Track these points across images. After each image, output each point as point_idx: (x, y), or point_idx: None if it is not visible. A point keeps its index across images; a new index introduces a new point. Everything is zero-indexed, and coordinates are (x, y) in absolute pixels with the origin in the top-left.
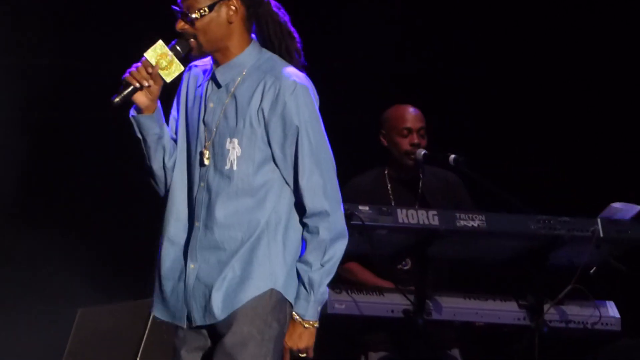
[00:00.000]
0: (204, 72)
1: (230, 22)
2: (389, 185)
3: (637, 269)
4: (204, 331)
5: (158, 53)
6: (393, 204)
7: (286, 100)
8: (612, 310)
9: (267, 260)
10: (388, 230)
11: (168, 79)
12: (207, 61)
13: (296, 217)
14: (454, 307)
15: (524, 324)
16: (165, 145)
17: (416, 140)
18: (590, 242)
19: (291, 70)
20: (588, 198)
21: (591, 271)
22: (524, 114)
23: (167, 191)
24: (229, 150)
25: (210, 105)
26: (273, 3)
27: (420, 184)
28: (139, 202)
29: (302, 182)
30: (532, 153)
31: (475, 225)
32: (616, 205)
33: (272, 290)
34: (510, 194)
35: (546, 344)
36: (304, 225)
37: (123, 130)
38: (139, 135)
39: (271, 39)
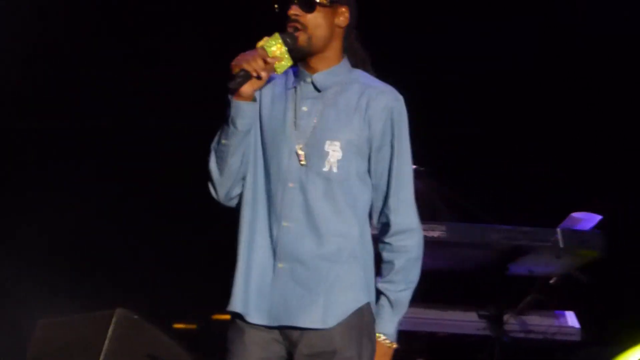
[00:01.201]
0: (273, 77)
1: (339, 27)
2: None
3: (597, 279)
4: (278, 332)
5: (274, 44)
6: None
7: (394, 113)
8: (572, 320)
9: (363, 272)
10: None
11: (279, 71)
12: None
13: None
14: (416, 318)
15: (485, 334)
16: (249, 143)
17: None
18: (550, 252)
19: (387, 85)
20: (549, 208)
21: (551, 281)
22: (488, 124)
23: (236, 195)
24: (328, 152)
25: (304, 108)
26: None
27: None
28: (99, 212)
29: (394, 197)
30: (494, 162)
31: (436, 235)
32: (576, 215)
33: (368, 304)
34: (472, 204)
35: (507, 353)
36: (385, 243)
37: (75, 139)
38: (233, 123)
39: (357, 65)
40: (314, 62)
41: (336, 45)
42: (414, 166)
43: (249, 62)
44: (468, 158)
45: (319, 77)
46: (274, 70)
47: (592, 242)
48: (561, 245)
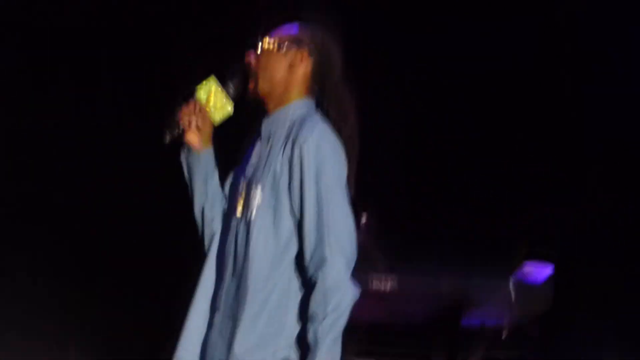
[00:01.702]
0: None
1: (294, 74)
2: None
3: (548, 332)
4: None
5: (210, 90)
6: None
7: (301, 162)
8: None
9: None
10: None
11: (216, 120)
12: None
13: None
14: None
15: None
16: (209, 192)
17: None
18: (502, 304)
19: (315, 123)
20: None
21: (503, 333)
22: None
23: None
24: (254, 197)
25: (255, 152)
26: (345, 86)
27: None
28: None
29: (306, 229)
30: (444, 212)
31: (387, 287)
32: (528, 266)
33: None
34: (422, 252)
35: None
36: (304, 277)
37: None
38: (185, 174)
39: (336, 117)
40: (270, 106)
41: (293, 92)
42: (364, 214)
43: (182, 112)
44: (417, 204)
45: (266, 122)
46: (213, 118)
47: (544, 295)
48: (513, 298)
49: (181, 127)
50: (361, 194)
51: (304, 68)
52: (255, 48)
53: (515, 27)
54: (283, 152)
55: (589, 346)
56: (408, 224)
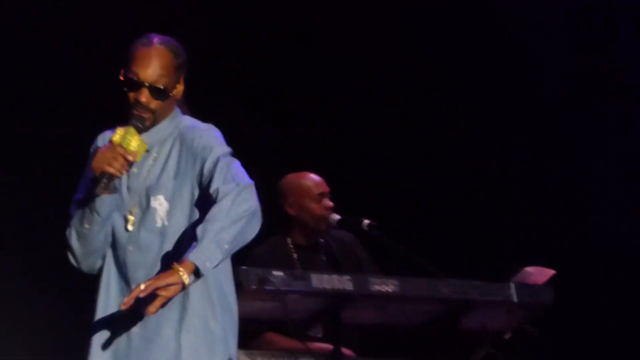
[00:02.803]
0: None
1: (176, 99)
2: (295, 255)
3: (550, 334)
4: None
5: (131, 140)
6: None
7: (193, 138)
8: None
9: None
10: (302, 295)
11: (138, 159)
12: (113, 130)
13: None
14: None
15: None
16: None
17: (330, 205)
18: (503, 306)
19: (201, 124)
20: (502, 261)
21: (506, 336)
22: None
23: (96, 269)
24: (155, 208)
25: (134, 170)
26: None
27: (323, 249)
28: None
29: (217, 185)
30: (445, 216)
31: (390, 290)
32: (529, 269)
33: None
34: (423, 258)
35: None
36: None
37: None
38: (97, 212)
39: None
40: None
41: (170, 108)
42: (367, 220)
43: (111, 165)
44: (418, 210)
45: (145, 137)
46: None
47: (545, 297)
48: (514, 299)
49: (111, 176)
50: (362, 201)
51: (180, 94)
52: (153, 89)
53: None
54: (179, 153)
55: (589, 347)
56: (409, 229)
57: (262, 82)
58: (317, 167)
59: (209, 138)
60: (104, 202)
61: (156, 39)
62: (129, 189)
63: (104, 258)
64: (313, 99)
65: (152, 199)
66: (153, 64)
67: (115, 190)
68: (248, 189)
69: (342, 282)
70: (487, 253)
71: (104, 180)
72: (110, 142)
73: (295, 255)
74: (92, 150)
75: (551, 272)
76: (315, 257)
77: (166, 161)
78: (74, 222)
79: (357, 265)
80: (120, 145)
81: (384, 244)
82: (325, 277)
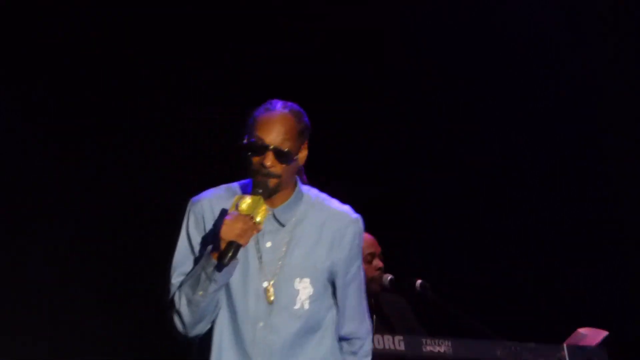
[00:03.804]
0: (222, 206)
1: (299, 165)
2: None
3: None
4: None
5: (260, 210)
6: None
7: (354, 240)
8: None
9: None
10: None
11: (260, 229)
12: (217, 193)
13: None
14: None
15: None
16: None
17: (381, 265)
18: None
19: (344, 207)
20: (554, 323)
21: None
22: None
23: (200, 335)
24: (298, 290)
25: (268, 244)
26: None
27: (374, 309)
28: None
29: (356, 310)
30: (496, 276)
31: (442, 350)
32: (582, 330)
33: None
34: (476, 319)
35: None
36: (349, 351)
37: None
38: (216, 281)
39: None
40: (274, 197)
41: (292, 179)
42: (419, 280)
43: (242, 237)
44: (471, 272)
45: (279, 212)
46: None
47: (598, 358)
48: None
49: (239, 247)
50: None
51: (304, 158)
52: (278, 152)
53: None
54: (330, 244)
55: None
56: (462, 289)
57: None
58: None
59: (358, 246)
60: (228, 272)
61: (279, 105)
62: (260, 262)
63: (213, 326)
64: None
65: (296, 280)
66: (277, 128)
67: (236, 261)
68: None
69: (394, 343)
70: (540, 313)
71: (232, 250)
72: (236, 211)
73: None
74: (191, 214)
75: (604, 333)
76: None
77: (314, 245)
78: (184, 289)
79: (406, 326)
80: (250, 216)
81: (436, 304)
82: (378, 337)
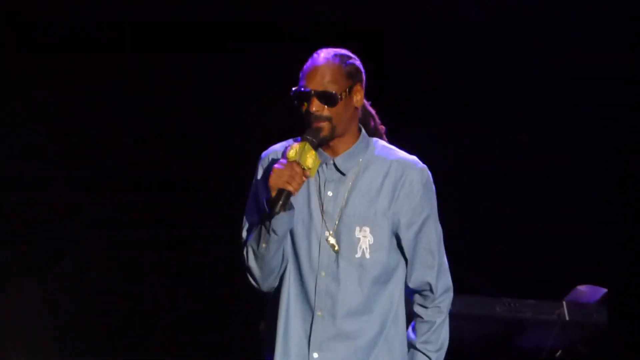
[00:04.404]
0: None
1: (356, 108)
2: None
3: (602, 353)
4: None
5: (308, 156)
6: None
7: (419, 189)
8: None
9: (401, 348)
10: None
11: (313, 175)
12: (283, 145)
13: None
14: None
15: None
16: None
17: None
18: (555, 325)
19: (410, 157)
20: (554, 280)
21: (557, 354)
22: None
23: (277, 284)
24: (359, 238)
25: (329, 193)
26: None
27: None
28: None
29: (431, 263)
30: (497, 234)
31: None
32: (582, 288)
33: None
34: (475, 276)
35: None
36: (423, 304)
37: None
38: (274, 232)
39: (366, 121)
40: (335, 144)
41: (355, 125)
42: None
43: (291, 183)
44: (471, 228)
45: (341, 160)
46: (310, 177)
47: (597, 316)
48: (567, 318)
49: (289, 194)
50: None
51: (361, 101)
52: (321, 95)
53: None
54: (393, 192)
55: None
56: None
57: None
58: None
59: (425, 196)
60: (281, 220)
61: (323, 52)
62: (323, 212)
63: (282, 279)
64: None
65: (356, 228)
66: (319, 73)
67: (291, 207)
68: (452, 296)
69: None
70: (540, 271)
71: (282, 198)
72: (285, 158)
73: None
74: (260, 168)
75: (604, 290)
76: None
77: (375, 192)
78: (251, 242)
79: None
80: (296, 162)
81: None
82: None
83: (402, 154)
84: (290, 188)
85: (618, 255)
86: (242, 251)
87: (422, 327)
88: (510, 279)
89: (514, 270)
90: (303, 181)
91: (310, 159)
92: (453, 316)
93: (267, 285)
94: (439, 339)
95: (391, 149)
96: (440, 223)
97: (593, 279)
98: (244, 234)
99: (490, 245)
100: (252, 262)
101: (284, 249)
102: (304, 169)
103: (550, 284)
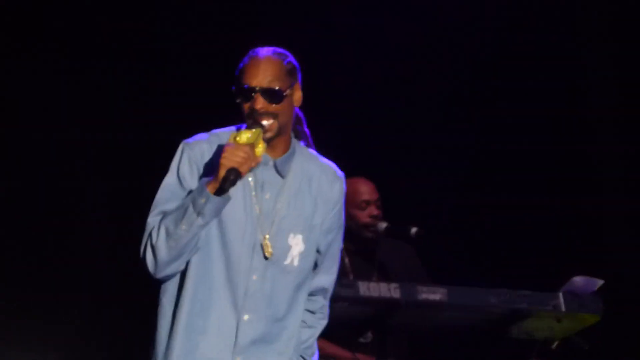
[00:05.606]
0: (217, 151)
1: (296, 106)
2: (347, 259)
3: (598, 344)
4: None
5: (259, 143)
6: (352, 277)
7: (340, 197)
8: None
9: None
10: (350, 302)
11: (256, 165)
12: (212, 137)
13: None
14: None
15: None
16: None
17: (375, 212)
18: (551, 316)
19: (331, 164)
20: (550, 271)
21: (553, 346)
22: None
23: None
24: (291, 245)
25: (267, 196)
26: None
27: (378, 256)
28: None
29: (332, 271)
30: (493, 224)
31: (437, 298)
32: (578, 279)
33: None
34: (471, 267)
35: None
36: (317, 301)
37: None
38: (203, 215)
39: (296, 123)
40: (275, 144)
41: (291, 125)
42: (414, 228)
43: (242, 166)
44: (467, 221)
45: (280, 163)
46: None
47: (593, 307)
48: (563, 309)
49: (239, 175)
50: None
51: (300, 100)
52: (266, 92)
53: None
54: (317, 199)
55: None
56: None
57: None
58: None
59: (343, 207)
60: (216, 204)
61: (262, 50)
62: (259, 212)
63: (184, 271)
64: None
65: (290, 235)
66: (261, 70)
67: (228, 197)
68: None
69: (389, 290)
70: (535, 262)
71: (231, 179)
72: (234, 142)
73: (347, 260)
74: (184, 155)
75: (600, 282)
76: (366, 262)
77: (307, 201)
78: (166, 222)
79: (409, 274)
80: (251, 145)
81: (432, 251)
82: (373, 285)
83: (325, 160)
84: (242, 169)
85: (615, 246)
86: (148, 232)
87: (305, 333)
88: (506, 271)
89: (509, 262)
90: (252, 166)
91: (262, 147)
92: (448, 307)
93: (166, 271)
94: (315, 343)
95: (314, 154)
96: (436, 213)
97: (589, 271)
98: (154, 217)
99: (486, 237)
100: (161, 243)
101: (198, 238)
102: (257, 156)
103: (546, 278)
